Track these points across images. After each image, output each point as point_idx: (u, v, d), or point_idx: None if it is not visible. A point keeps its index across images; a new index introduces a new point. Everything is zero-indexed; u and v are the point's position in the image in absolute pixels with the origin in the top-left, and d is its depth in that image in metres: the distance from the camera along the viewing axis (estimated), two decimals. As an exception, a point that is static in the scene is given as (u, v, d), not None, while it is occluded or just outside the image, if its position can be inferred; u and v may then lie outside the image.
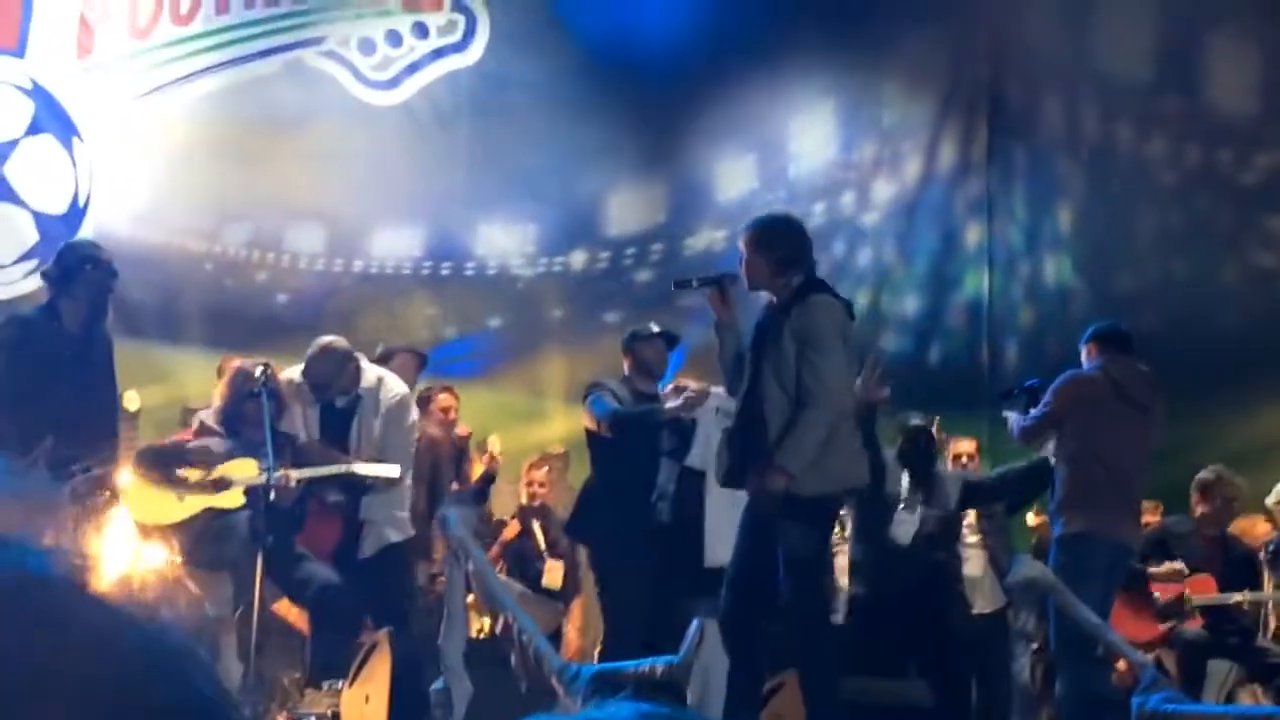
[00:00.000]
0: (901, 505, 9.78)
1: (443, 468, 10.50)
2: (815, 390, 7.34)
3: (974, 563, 10.44)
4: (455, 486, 10.75)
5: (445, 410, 10.95)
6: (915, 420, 10.15)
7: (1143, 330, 13.20)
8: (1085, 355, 9.31)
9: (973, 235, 15.34)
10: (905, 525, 9.81)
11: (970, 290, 15.26)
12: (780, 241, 7.64)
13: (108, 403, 8.83)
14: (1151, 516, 11.00)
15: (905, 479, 9.87)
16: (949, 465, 10.69)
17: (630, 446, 9.00)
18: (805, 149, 15.42)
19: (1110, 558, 8.88)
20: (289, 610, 9.09)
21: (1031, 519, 11.07)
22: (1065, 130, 14.99)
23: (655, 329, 9.60)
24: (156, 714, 0.74)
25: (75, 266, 8.58)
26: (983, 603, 10.41)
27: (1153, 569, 10.45)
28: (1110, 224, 14.52)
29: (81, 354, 8.48)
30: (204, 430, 9.01)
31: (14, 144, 13.19)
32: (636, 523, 8.87)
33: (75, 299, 8.51)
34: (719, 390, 8.63)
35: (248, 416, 8.72)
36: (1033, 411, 9.23)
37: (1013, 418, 9.42)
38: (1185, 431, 12.21)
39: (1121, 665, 9.27)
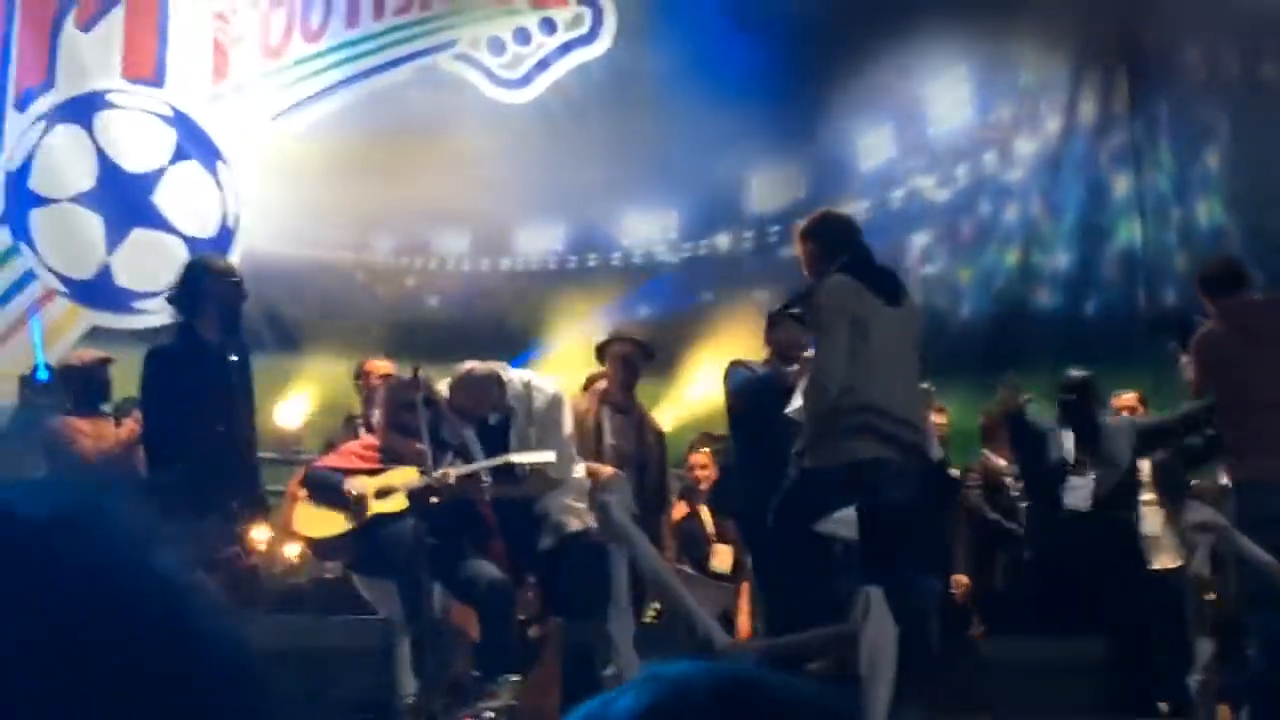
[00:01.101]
0: (1070, 470, 9.65)
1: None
2: (815, 368, 7.82)
3: (1151, 519, 10.27)
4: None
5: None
6: (1072, 373, 10.02)
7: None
8: (1204, 303, 8.99)
9: (1120, 186, 15.14)
10: (1080, 490, 9.67)
11: (1122, 240, 15.07)
12: (817, 233, 8.18)
13: (248, 430, 8.73)
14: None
15: (1070, 441, 9.73)
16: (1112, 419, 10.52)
17: (764, 417, 8.98)
18: (942, 113, 15.31)
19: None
20: (463, 614, 9.16)
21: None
22: (1207, 72, 14.74)
23: (789, 309, 9.55)
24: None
25: (197, 282, 8.55)
26: (1164, 559, 10.25)
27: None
28: (1259, 162, 14.23)
29: (222, 372, 8.41)
30: (368, 444, 9.09)
31: (161, 172, 13.43)
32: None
33: (207, 315, 8.44)
34: None
35: (407, 426, 8.76)
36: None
37: (1183, 360, 9.14)
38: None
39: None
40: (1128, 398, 10.99)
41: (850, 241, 8.12)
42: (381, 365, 10.47)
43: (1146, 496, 10.38)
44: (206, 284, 8.49)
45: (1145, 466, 10.48)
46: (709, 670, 1.07)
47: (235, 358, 8.49)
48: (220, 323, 8.45)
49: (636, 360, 9.91)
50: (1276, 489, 8.52)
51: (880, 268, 8.22)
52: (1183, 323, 9.18)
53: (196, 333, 8.38)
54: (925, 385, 8.97)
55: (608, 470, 9.11)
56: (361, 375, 10.65)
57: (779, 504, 7.85)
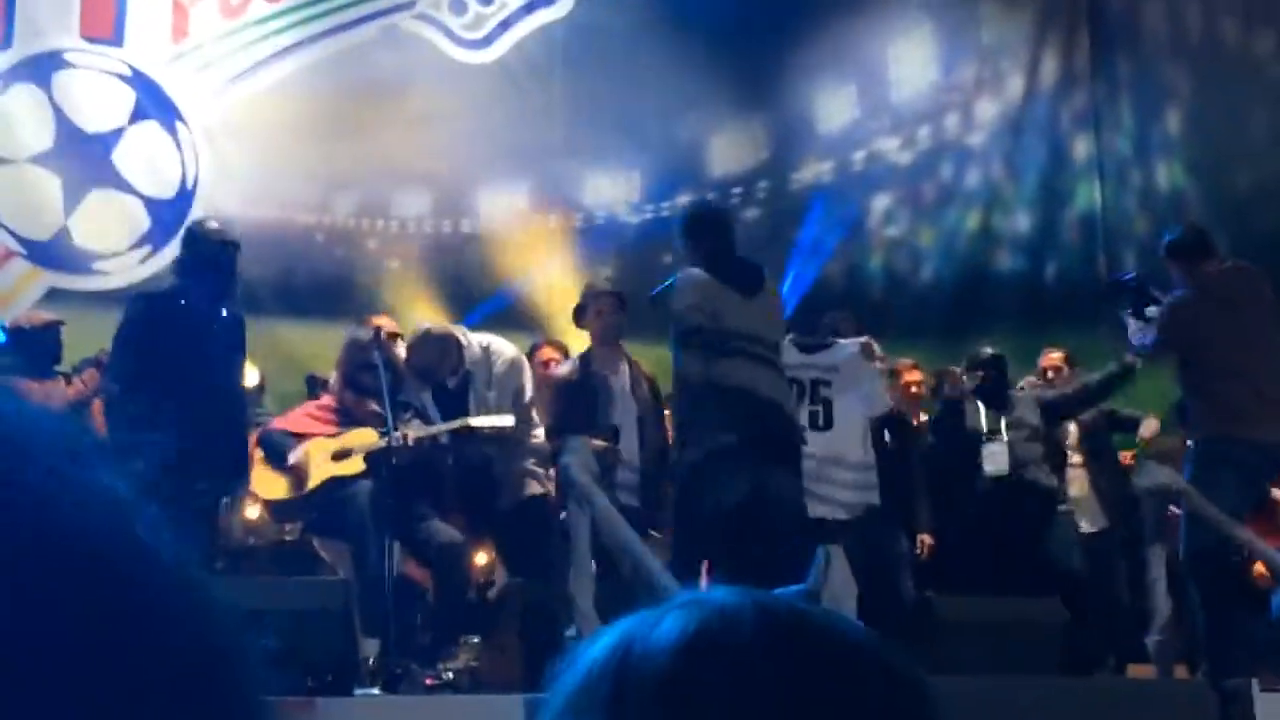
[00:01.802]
0: (986, 438, 9.77)
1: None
2: (675, 361, 8.05)
3: (1077, 484, 10.37)
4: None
5: (546, 364, 10.80)
6: (984, 350, 10.15)
7: (1263, 229, 13.03)
8: (1170, 270, 9.06)
9: (1081, 148, 15.17)
10: (997, 455, 9.77)
11: (1082, 203, 15.10)
12: (683, 225, 8.47)
13: (238, 397, 8.75)
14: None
15: (982, 410, 9.84)
16: (1036, 379, 10.64)
17: None
18: (905, 74, 15.30)
19: (1250, 459, 8.64)
20: (416, 569, 9.17)
21: (1145, 430, 10.87)
22: (1169, 33, 14.75)
23: (654, 297, 9.61)
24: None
25: (203, 247, 8.53)
26: (1088, 523, 10.34)
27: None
28: (1221, 124, 14.27)
29: (210, 337, 8.39)
30: (324, 405, 9.08)
31: (120, 132, 13.33)
32: None
33: (205, 282, 8.43)
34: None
35: (365, 387, 8.76)
36: (1148, 338, 9.02)
37: (1131, 326, 9.22)
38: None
39: (1260, 568, 9.15)
40: (1055, 356, 11.01)
41: (711, 234, 8.29)
42: (387, 322, 10.31)
43: (1074, 460, 10.45)
44: (201, 247, 8.49)
45: (1072, 431, 10.55)
46: (755, 599, 1.05)
47: (226, 314, 8.52)
48: (214, 286, 8.46)
49: (617, 312, 9.82)
50: (1240, 443, 8.59)
51: (739, 260, 8.31)
52: (1139, 289, 9.20)
53: (189, 293, 8.38)
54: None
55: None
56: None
57: (675, 500, 8.17)
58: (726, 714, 0.98)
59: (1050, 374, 10.94)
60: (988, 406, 9.87)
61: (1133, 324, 9.22)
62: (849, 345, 9.30)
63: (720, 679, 0.99)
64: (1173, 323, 8.82)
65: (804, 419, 8.97)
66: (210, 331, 8.39)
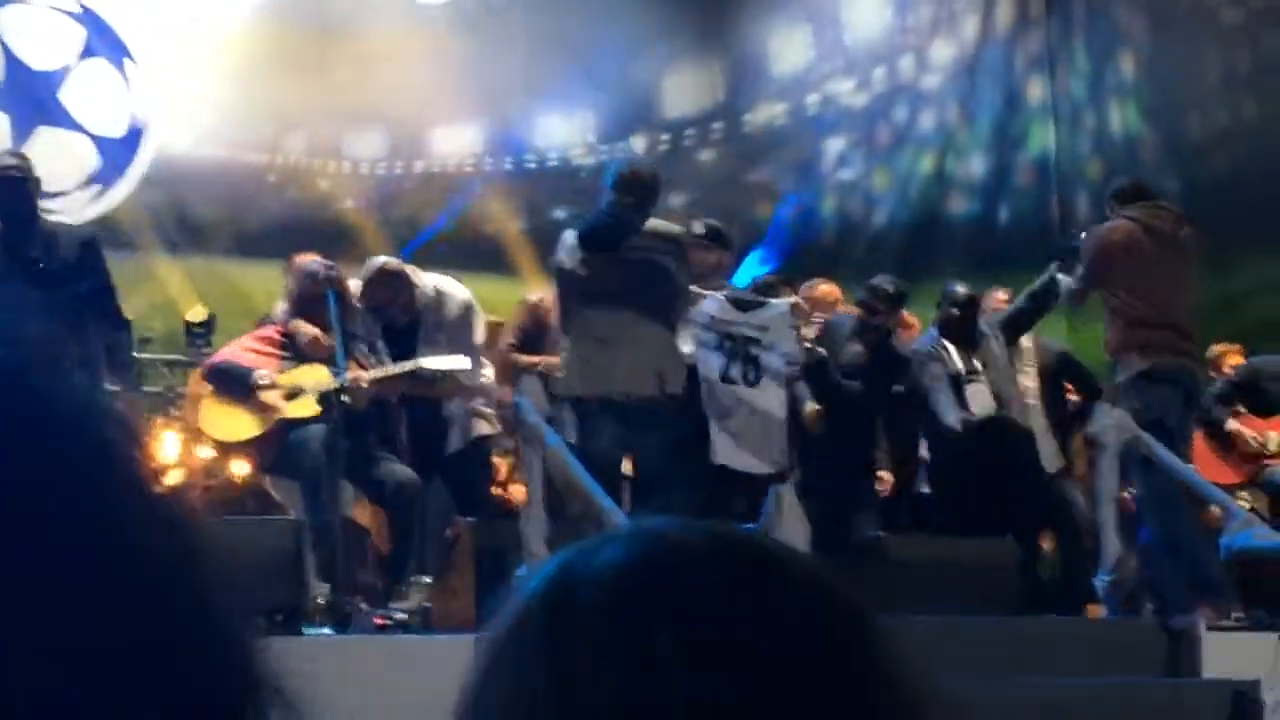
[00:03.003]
0: (965, 380, 9.77)
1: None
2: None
3: (1035, 425, 10.37)
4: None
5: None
6: (958, 289, 10.11)
7: (1216, 174, 13.07)
8: (1109, 213, 9.27)
9: (1035, 91, 15.18)
10: (980, 395, 9.78)
11: (1036, 147, 15.12)
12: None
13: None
14: (1236, 359, 10.90)
15: (954, 352, 9.83)
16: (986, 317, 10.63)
17: None
18: (860, 16, 15.28)
19: (1177, 392, 8.85)
20: (362, 513, 9.14)
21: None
22: (1124, -24, 14.76)
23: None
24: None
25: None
26: (1046, 463, 10.35)
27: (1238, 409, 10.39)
28: (1175, 68, 14.29)
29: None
30: (267, 337, 8.97)
31: (67, 70, 13.20)
32: None
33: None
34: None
35: (314, 319, 8.68)
36: (1074, 276, 9.17)
37: (1063, 280, 9.37)
38: (1260, 273, 12.08)
39: (1214, 510, 9.22)
40: (1000, 296, 10.97)
41: (597, 201, 8.61)
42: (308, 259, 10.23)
43: (1030, 402, 10.46)
44: None
45: (1030, 372, 10.54)
46: (706, 529, 1.02)
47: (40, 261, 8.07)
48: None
49: None
50: (1166, 378, 8.74)
51: (604, 222, 8.44)
52: (1076, 251, 9.35)
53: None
54: None
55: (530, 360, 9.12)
56: (290, 271, 10.49)
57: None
58: (674, 628, 0.95)
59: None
60: (959, 347, 9.84)
61: (1062, 280, 9.35)
62: (780, 304, 9.34)
63: (668, 597, 0.97)
64: (1096, 247, 9.00)
65: (736, 374, 9.06)
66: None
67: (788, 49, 15.10)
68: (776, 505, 7.27)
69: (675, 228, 8.84)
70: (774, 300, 9.42)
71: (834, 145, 15.27)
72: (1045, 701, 6.95)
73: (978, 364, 9.86)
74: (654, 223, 8.51)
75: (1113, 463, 8.87)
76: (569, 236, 8.46)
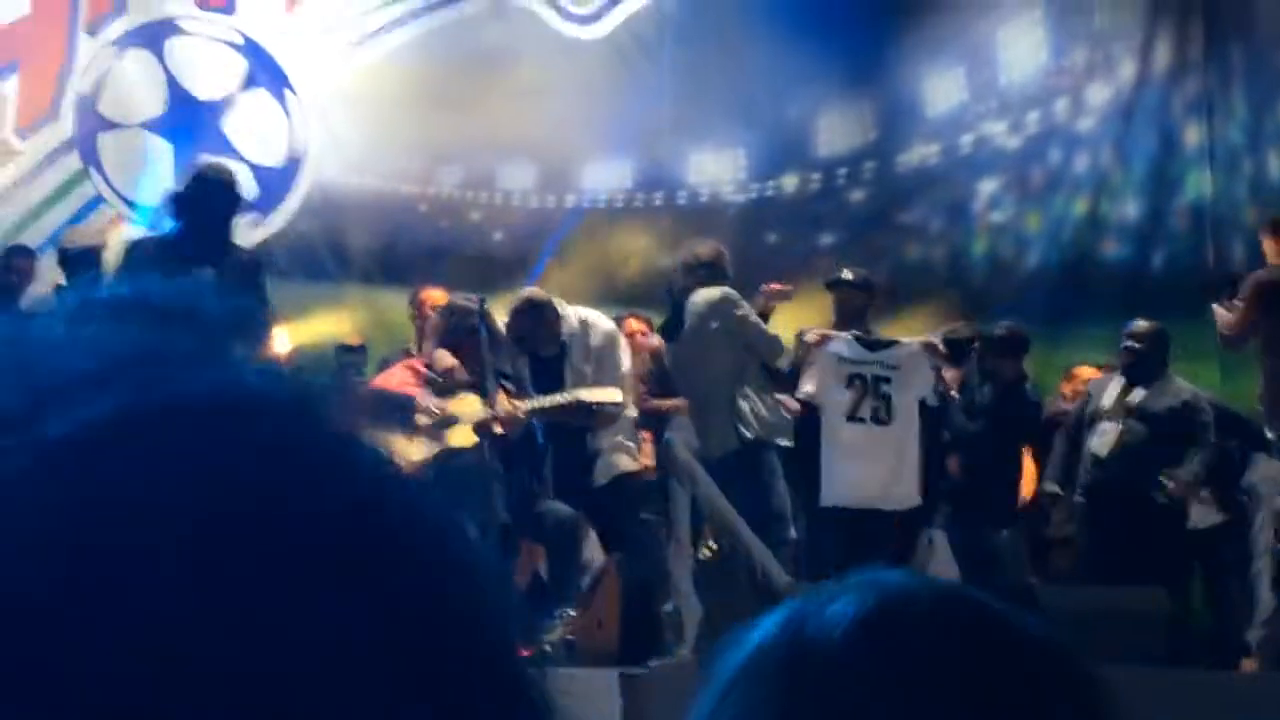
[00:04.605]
0: (1105, 415, 9.56)
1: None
2: None
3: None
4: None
5: (631, 335, 10.61)
6: (1143, 323, 9.86)
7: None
8: (1266, 248, 8.95)
9: (1192, 136, 14.99)
10: (1106, 435, 9.52)
11: (1192, 192, 14.92)
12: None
13: None
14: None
15: (1116, 389, 9.61)
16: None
17: None
18: (1015, 57, 15.16)
19: None
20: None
21: None
22: (1284, 19, 14.55)
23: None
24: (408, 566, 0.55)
25: (189, 185, 8.30)
26: (1201, 515, 10.09)
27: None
28: (1335, 116, 14.07)
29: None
30: (417, 369, 9.00)
31: (230, 100, 13.45)
32: None
33: (199, 223, 8.09)
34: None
35: (465, 353, 8.71)
36: (1228, 316, 8.88)
37: (1219, 314, 9.05)
38: None
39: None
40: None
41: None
42: (437, 294, 10.31)
43: None
44: (195, 187, 8.30)
45: None
46: (930, 585, 1.04)
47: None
48: (206, 230, 8.12)
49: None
50: None
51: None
52: (1232, 282, 9.10)
53: (181, 237, 8.09)
54: None
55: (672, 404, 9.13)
56: (416, 304, 10.57)
57: None
58: (903, 692, 0.97)
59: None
60: (1131, 382, 9.53)
61: (1221, 312, 9.06)
62: (912, 343, 9.39)
63: (895, 660, 0.98)
64: (1249, 293, 8.72)
65: (865, 413, 9.06)
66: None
67: (941, 90, 15.04)
68: (927, 548, 7.23)
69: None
70: (905, 340, 9.47)
71: (986, 187, 15.16)
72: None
73: (1124, 404, 9.61)
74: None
75: (1269, 515, 8.73)
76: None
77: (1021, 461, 10.22)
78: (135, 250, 8.40)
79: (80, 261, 9.73)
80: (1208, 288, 9.68)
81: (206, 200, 8.21)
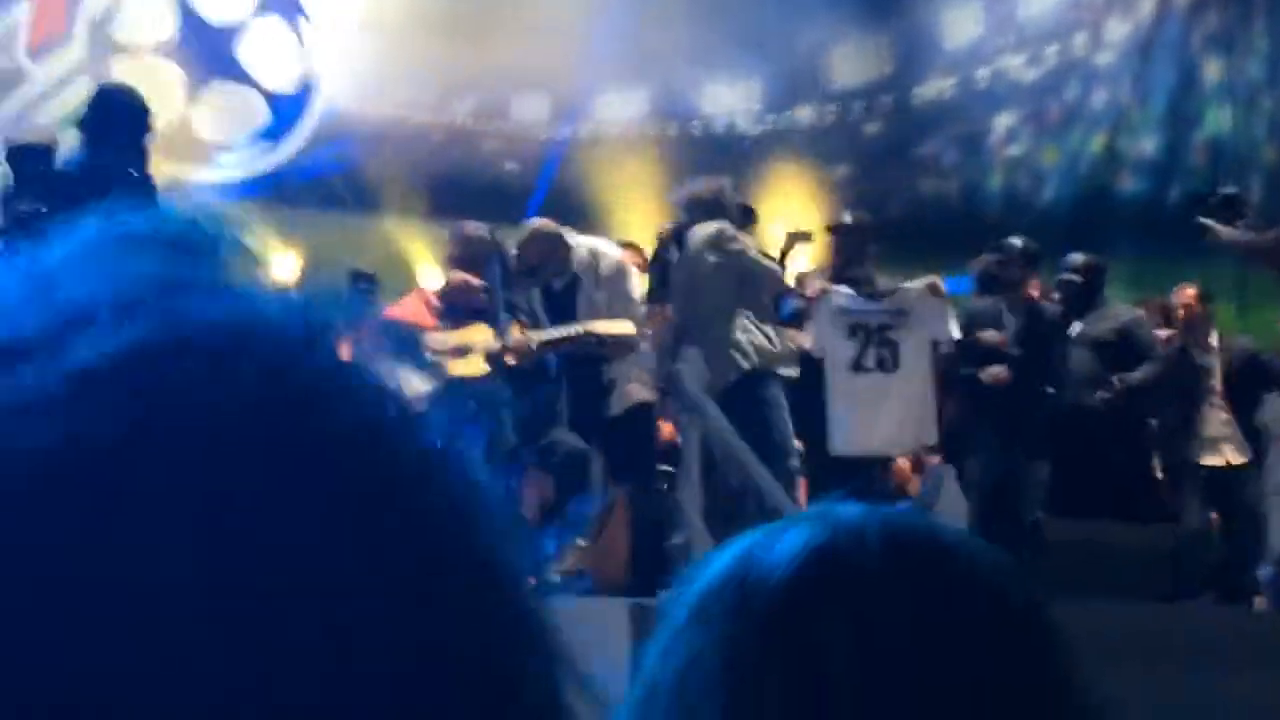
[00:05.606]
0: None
1: None
2: None
3: (1217, 417, 10.09)
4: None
5: None
6: (1079, 257, 9.87)
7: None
8: None
9: (1211, 71, 14.89)
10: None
11: (1210, 128, 14.84)
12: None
13: None
14: None
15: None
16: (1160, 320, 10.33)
17: None
18: (1034, -10, 15.09)
19: None
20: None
21: None
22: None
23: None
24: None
25: (106, 107, 8.07)
26: (1227, 455, 10.07)
27: None
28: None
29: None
30: (427, 298, 9.00)
31: (243, 25, 13.39)
32: None
33: (110, 144, 7.64)
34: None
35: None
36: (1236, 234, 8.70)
37: (1220, 230, 8.79)
38: None
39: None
40: (1189, 293, 10.47)
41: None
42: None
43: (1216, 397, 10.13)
44: (114, 108, 8.10)
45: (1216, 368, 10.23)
46: (882, 516, 1.03)
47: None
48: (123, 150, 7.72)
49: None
50: None
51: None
52: (1231, 202, 8.89)
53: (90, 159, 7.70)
54: None
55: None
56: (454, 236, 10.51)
57: None
58: (847, 629, 0.97)
59: (1182, 312, 10.36)
60: (1067, 314, 9.60)
61: (1219, 229, 8.76)
62: (914, 286, 9.32)
63: (842, 596, 0.98)
64: None
65: (870, 362, 9.02)
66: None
67: (959, 23, 14.95)
68: (935, 486, 7.21)
69: None
70: (906, 285, 9.41)
71: (1003, 121, 15.10)
72: (1196, 698, 6.83)
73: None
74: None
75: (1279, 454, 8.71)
76: None
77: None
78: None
79: (29, 159, 9.53)
80: (1200, 204, 9.41)
81: (115, 124, 8.01)
